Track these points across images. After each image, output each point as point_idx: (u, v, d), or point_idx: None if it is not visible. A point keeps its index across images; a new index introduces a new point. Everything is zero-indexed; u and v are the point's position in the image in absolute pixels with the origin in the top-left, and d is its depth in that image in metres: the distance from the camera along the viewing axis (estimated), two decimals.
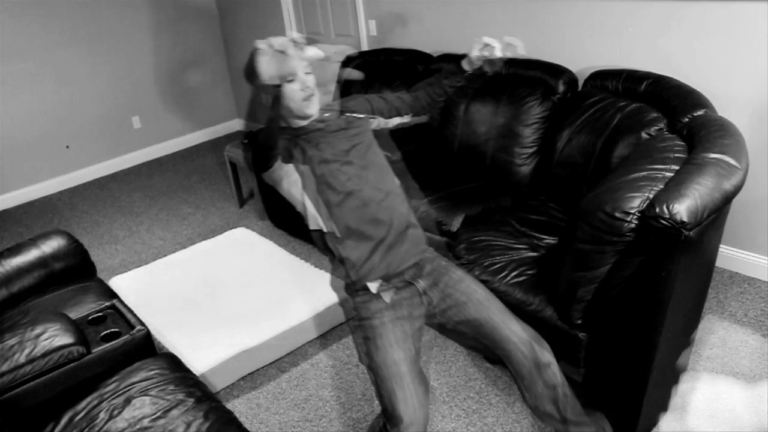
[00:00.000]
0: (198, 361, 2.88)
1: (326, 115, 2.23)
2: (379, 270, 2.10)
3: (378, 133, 2.36)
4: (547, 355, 2.11)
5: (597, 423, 2.23)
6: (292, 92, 2.07)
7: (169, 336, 3.08)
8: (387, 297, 2.11)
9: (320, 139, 2.15)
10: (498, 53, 2.25)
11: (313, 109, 2.13)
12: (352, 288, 2.17)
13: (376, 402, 2.78)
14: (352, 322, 2.19)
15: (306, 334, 3.18)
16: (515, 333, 2.10)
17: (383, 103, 2.40)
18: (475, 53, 2.31)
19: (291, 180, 2.15)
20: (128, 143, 6.16)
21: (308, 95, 2.09)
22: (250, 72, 1.93)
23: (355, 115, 2.30)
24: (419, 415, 1.98)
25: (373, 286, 2.11)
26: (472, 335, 2.18)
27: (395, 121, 2.45)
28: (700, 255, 2.13)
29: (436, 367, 2.96)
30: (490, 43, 2.24)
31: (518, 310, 2.51)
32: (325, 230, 2.12)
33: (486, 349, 2.25)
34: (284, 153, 2.11)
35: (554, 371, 2.11)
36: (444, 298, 2.15)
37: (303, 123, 2.17)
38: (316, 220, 2.13)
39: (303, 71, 2.08)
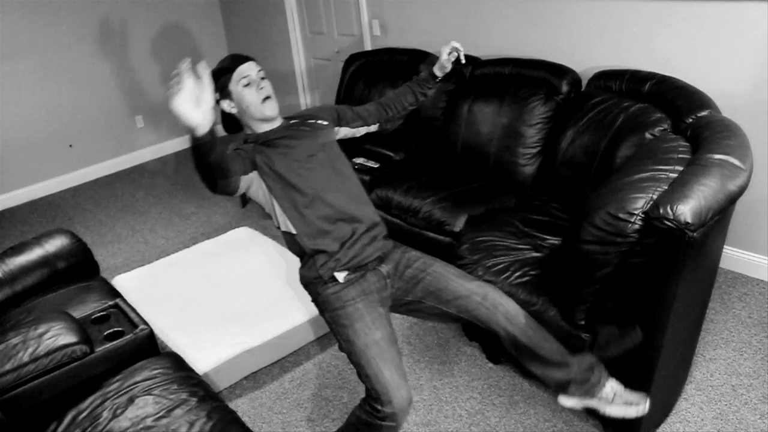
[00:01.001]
0: (201, 361, 2.88)
1: (292, 121, 2.38)
2: (346, 263, 2.22)
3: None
4: (505, 299, 2.25)
5: (583, 363, 2.20)
6: (250, 95, 2.24)
7: (172, 335, 3.08)
8: (356, 288, 2.22)
9: (286, 144, 2.27)
10: (462, 57, 2.56)
11: (273, 111, 2.29)
12: (321, 282, 2.24)
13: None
14: (327, 314, 2.25)
15: (308, 333, 3.18)
16: (473, 290, 2.24)
17: (350, 113, 2.59)
18: (444, 57, 2.55)
19: (256, 185, 2.25)
20: (131, 142, 6.17)
21: (265, 97, 2.26)
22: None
23: (319, 122, 2.43)
24: (405, 391, 2.05)
25: (340, 276, 2.21)
26: (440, 310, 2.27)
27: (362, 130, 2.65)
28: (704, 256, 2.12)
29: (439, 367, 2.96)
30: (458, 47, 2.53)
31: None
32: (293, 232, 2.25)
33: (462, 322, 2.35)
34: (246, 164, 2.18)
35: (516, 311, 2.24)
36: (406, 278, 2.28)
37: (268, 127, 2.31)
38: (285, 222, 2.26)
39: (258, 75, 2.26)
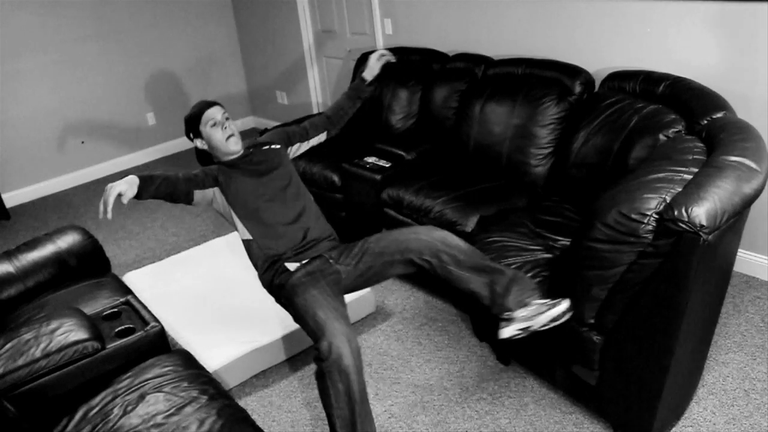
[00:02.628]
0: (211, 359, 2.89)
1: (250, 149, 2.80)
2: (297, 258, 2.62)
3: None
4: (440, 230, 2.58)
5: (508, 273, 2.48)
6: (216, 134, 2.69)
7: (183, 332, 3.09)
8: (302, 271, 2.58)
9: (245, 166, 2.72)
10: (392, 59, 3.01)
11: (236, 147, 2.72)
12: (276, 275, 2.61)
13: (389, 401, 2.78)
14: (283, 299, 2.57)
15: None
16: (411, 231, 2.61)
17: (298, 131, 2.98)
18: (373, 61, 2.97)
19: (219, 200, 2.69)
20: (143, 139, 6.19)
21: (229, 135, 2.70)
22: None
23: (273, 146, 2.85)
24: (340, 325, 2.27)
25: (292, 266, 2.59)
26: (390, 260, 2.58)
27: (313, 141, 3.04)
28: (717, 259, 2.10)
29: (449, 368, 2.95)
30: (384, 53, 2.97)
31: None
32: (250, 238, 2.67)
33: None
34: (207, 181, 2.67)
35: (451, 237, 2.55)
36: (354, 254, 2.64)
37: (232, 157, 2.75)
38: (243, 230, 2.68)
39: (222, 117, 2.70)
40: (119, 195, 2.37)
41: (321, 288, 2.45)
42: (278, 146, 2.87)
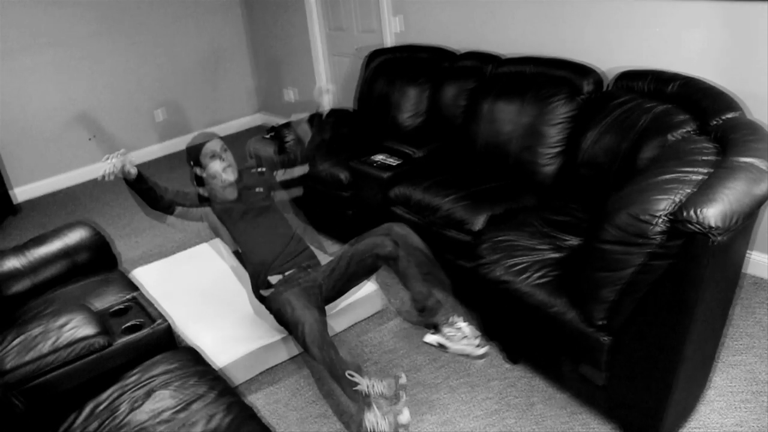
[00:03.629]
0: (218, 355, 2.89)
1: (243, 175, 3.18)
2: (279, 270, 2.96)
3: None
4: (404, 228, 2.96)
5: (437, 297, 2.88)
6: (214, 165, 3.00)
7: (189, 329, 3.10)
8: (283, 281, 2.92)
9: (240, 191, 3.11)
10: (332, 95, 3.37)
11: (232, 177, 3.04)
12: (260, 285, 2.96)
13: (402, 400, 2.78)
14: (273, 311, 2.81)
15: (335, 328, 3.18)
16: (377, 232, 2.94)
17: (279, 159, 3.35)
18: (316, 94, 3.31)
19: (212, 218, 3.07)
20: (151, 135, 6.21)
21: (226, 166, 3.02)
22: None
23: (260, 169, 3.25)
24: (310, 317, 2.53)
25: (273, 280, 2.92)
26: (363, 260, 2.85)
27: (296, 171, 3.38)
28: (727, 261, 2.09)
29: (456, 366, 2.95)
30: (331, 88, 3.30)
31: (540, 311, 2.50)
32: (241, 251, 3.04)
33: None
34: (197, 201, 3.05)
35: (411, 235, 2.93)
36: (331, 262, 2.95)
37: (227, 201, 3.10)
38: (234, 245, 3.06)
39: (221, 149, 3.02)
40: (123, 167, 2.67)
41: (294, 290, 2.71)
42: (264, 169, 3.27)
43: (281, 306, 2.67)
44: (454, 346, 2.85)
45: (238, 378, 2.95)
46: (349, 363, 2.52)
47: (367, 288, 3.34)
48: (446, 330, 2.85)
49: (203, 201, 3.09)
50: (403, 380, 2.51)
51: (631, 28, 3.40)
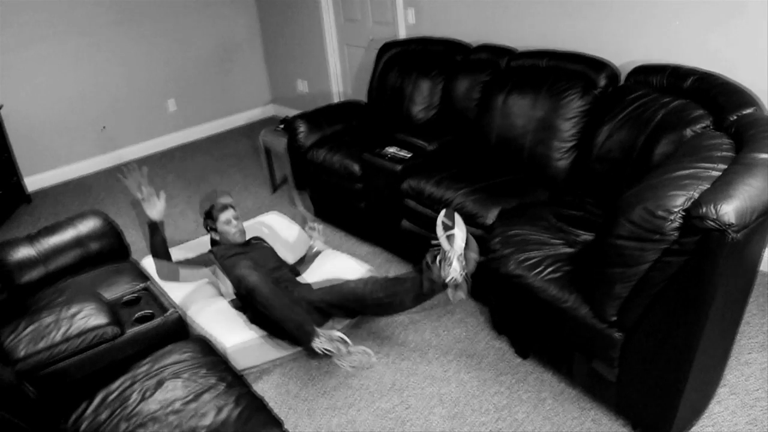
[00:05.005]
0: (227, 343, 2.89)
1: (247, 241, 3.47)
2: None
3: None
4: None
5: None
6: (228, 229, 3.38)
7: (201, 319, 3.10)
8: None
9: (242, 254, 3.29)
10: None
11: (242, 239, 3.41)
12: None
13: (406, 393, 2.78)
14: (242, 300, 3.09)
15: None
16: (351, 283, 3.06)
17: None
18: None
19: (211, 261, 3.28)
20: (163, 126, 6.21)
21: (237, 230, 3.38)
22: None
23: (264, 243, 3.51)
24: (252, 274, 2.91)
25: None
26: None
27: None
28: (744, 258, 2.07)
29: (467, 360, 2.94)
30: (318, 229, 3.57)
31: (553, 306, 2.48)
32: (234, 297, 3.18)
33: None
34: (204, 262, 3.29)
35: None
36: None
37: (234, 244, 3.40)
38: (229, 293, 3.19)
39: (233, 216, 3.41)
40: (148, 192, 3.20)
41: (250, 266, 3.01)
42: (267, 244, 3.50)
43: (238, 280, 2.94)
44: (457, 257, 2.81)
45: (247, 365, 2.95)
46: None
47: (363, 272, 3.38)
48: (453, 268, 2.79)
49: (213, 244, 3.46)
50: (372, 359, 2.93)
51: (647, 21, 3.37)
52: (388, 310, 2.99)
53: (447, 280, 2.79)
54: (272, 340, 3.01)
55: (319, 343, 2.76)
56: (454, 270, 2.77)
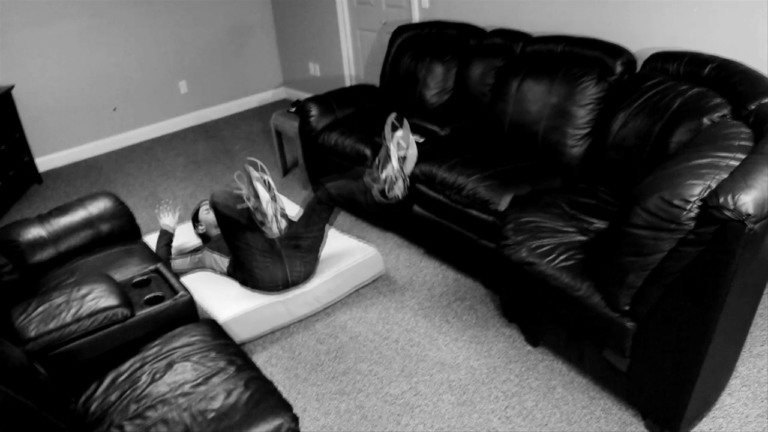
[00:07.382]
0: (222, 317, 2.91)
1: None
2: None
3: None
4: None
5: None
6: (207, 210, 3.52)
7: (210, 301, 3.10)
8: None
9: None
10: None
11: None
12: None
13: (415, 379, 2.77)
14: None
15: (343, 287, 3.31)
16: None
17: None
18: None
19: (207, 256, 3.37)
20: (175, 108, 6.20)
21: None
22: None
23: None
24: None
25: None
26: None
27: None
28: (761, 250, 2.04)
29: (477, 347, 2.93)
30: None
31: (565, 294, 2.46)
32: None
33: None
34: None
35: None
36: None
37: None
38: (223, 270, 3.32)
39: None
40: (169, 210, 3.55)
41: None
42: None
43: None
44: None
45: (255, 349, 2.95)
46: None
47: (368, 252, 3.41)
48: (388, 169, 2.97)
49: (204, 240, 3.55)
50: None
51: (665, 7, 3.31)
52: (354, 208, 3.26)
53: (383, 176, 2.98)
54: (269, 309, 3.07)
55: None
56: (392, 167, 2.96)
